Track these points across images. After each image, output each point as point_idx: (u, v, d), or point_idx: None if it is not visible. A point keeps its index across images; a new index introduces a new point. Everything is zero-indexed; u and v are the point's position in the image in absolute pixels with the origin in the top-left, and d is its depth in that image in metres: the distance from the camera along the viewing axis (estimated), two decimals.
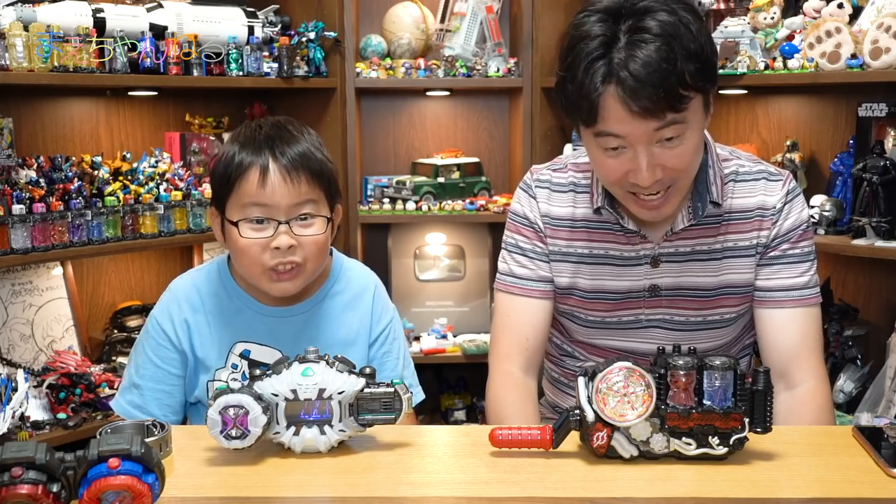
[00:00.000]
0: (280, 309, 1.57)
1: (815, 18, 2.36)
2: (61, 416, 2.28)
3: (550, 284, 1.58)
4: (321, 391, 1.20)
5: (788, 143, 2.57)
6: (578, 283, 1.56)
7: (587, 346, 1.63)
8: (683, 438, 1.18)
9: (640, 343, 1.57)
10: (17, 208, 2.19)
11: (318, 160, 1.49)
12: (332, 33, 2.81)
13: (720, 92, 2.64)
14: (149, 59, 2.41)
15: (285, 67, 2.70)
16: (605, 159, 1.39)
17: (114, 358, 2.64)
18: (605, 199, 1.51)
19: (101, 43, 2.32)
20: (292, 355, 1.48)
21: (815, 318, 1.54)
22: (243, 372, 1.54)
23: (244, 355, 1.55)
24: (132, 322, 2.72)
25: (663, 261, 1.53)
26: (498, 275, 1.63)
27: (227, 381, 1.52)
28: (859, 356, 2.44)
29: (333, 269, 1.64)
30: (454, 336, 2.98)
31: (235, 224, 1.46)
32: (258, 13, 2.74)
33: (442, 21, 2.98)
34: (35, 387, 2.32)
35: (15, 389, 2.11)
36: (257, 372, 1.22)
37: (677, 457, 1.19)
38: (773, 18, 2.43)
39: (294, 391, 1.20)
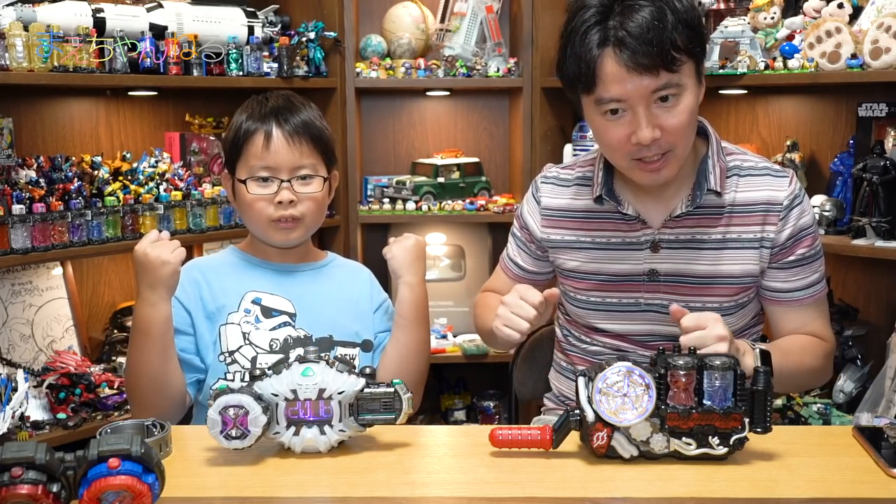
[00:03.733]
0: (289, 265, 1.68)
1: (815, 18, 2.36)
2: (61, 416, 2.28)
3: (524, 272, 1.74)
4: (321, 391, 1.21)
5: (788, 143, 2.57)
6: (580, 266, 1.64)
7: (589, 329, 1.68)
8: (683, 438, 1.18)
9: (640, 325, 1.62)
10: (17, 208, 2.19)
11: (317, 128, 1.65)
12: (332, 33, 2.81)
13: (720, 92, 2.65)
14: (149, 59, 2.41)
15: (285, 67, 2.70)
16: (607, 125, 1.46)
17: (114, 358, 2.64)
18: (604, 187, 1.59)
19: (101, 43, 2.32)
20: (302, 307, 1.62)
21: (826, 301, 1.67)
22: (256, 316, 1.61)
23: (256, 302, 1.62)
24: (132, 322, 2.72)
25: (663, 246, 1.58)
26: None
27: (239, 324, 1.60)
28: (859, 356, 2.44)
29: (329, 256, 1.78)
30: (454, 336, 2.98)
31: (244, 182, 1.61)
32: (258, 13, 2.74)
33: (442, 21, 2.98)
34: (35, 387, 2.32)
35: (15, 389, 2.10)
36: (257, 372, 1.22)
37: (677, 457, 1.19)
38: (773, 18, 2.43)
39: (294, 391, 1.20)
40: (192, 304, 1.61)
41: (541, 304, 1.43)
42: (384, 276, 1.81)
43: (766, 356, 1.39)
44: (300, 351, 1.55)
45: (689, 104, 1.44)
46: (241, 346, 1.58)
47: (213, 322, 1.61)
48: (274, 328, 1.60)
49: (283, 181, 1.59)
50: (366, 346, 1.64)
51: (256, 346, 1.59)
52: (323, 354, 1.24)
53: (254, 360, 1.58)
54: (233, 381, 1.52)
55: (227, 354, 1.57)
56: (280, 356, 1.56)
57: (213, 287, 1.63)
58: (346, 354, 1.62)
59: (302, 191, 1.61)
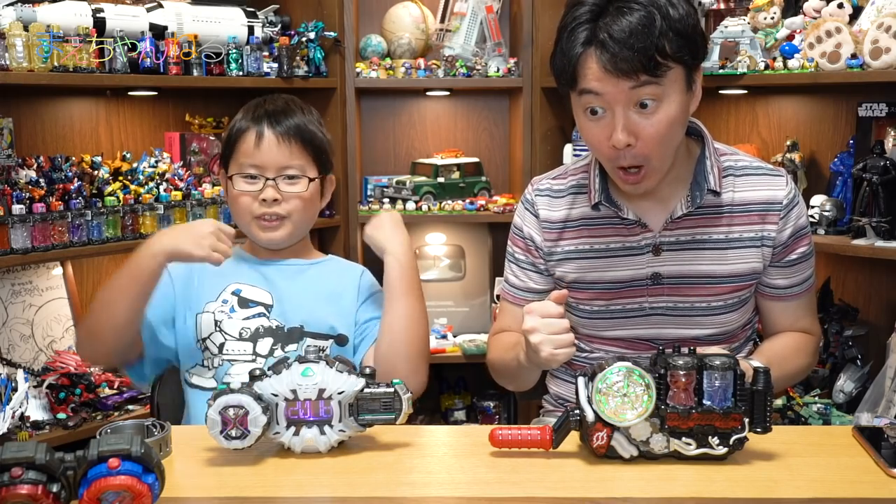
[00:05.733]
0: (274, 260, 1.71)
1: (815, 18, 2.36)
2: (61, 416, 2.28)
3: (539, 294, 1.68)
4: (321, 391, 1.21)
5: (788, 143, 2.57)
6: (582, 277, 1.62)
7: (592, 338, 1.67)
8: (683, 438, 1.18)
9: (646, 329, 1.62)
10: (17, 208, 2.19)
11: (310, 132, 1.68)
12: (332, 33, 2.81)
13: (720, 92, 2.65)
14: (149, 59, 2.41)
15: (285, 67, 2.70)
16: (588, 125, 1.46)
17: None
18: (602, 194, 1.58)
19: (101, 43, 2.32)
20: (279, 298, 1.65)
21: (815, 292, 1.71)
22: (232, 306, 1.65)
23: (236, 293, 1.66)
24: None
25: (665, 249, 1.57)
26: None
27: (213, 313, 1.64)
28: (859, 356, 2.44)
29: (328, 257, 1.81)
30: (454, 336, 2.98)
31: (231, 178, 1.66)
32: (258, 13, 2.74)
33: (442, 21, 2.97)
34: (35, 387, 2.32)
35: (15, 389, 2.11)
36: (257, 372, 1.22)
37: (677, 457, 1.19)
38: (773, 18, 2.43)
39: (294, 391, 1.20)
40: (176, 285, 1.66)
41: (563, 309, 1.40)
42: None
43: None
44: (270, 341, 1.62)
45: (671, 113, 1.42)
46: (211, 334, 1.63)
47: (192, 311, 1.65)
48: (247, 318, 1.64)
49: (268, 179, 1.63)
50: (339, 339, 1.66)
51: (226, 334, 1.62)
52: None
53: (221, 346, 1.62)
54: (226, 378, 1.56)
55: (200, 341, 1.63)
56: (249, 344, 1.62)
57: (197, 277, 1.68)
58: (316, 346, 1.62)
59: (287, 189, 1.64)
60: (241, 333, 1.62)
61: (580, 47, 1.40)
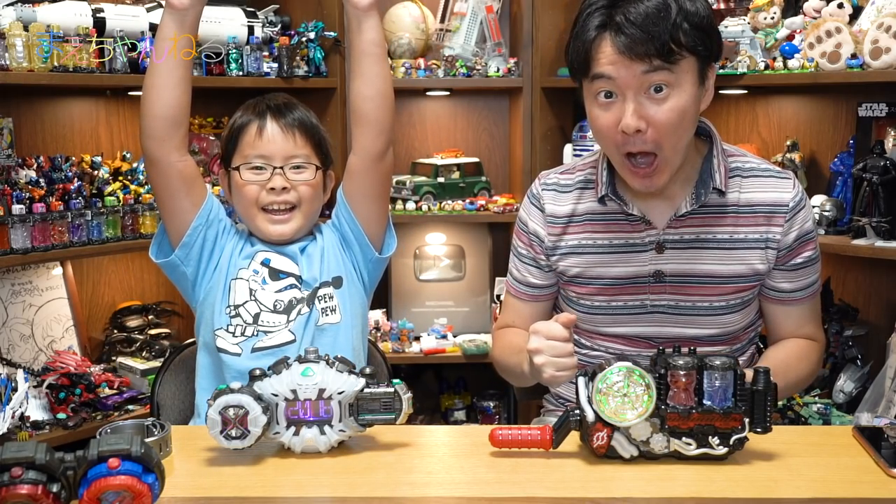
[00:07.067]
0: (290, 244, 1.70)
1: (815, 18, 2.36)
2: (61, 416, 2.28)
3: (538, 290, 1.70)
4: (321, 391, 1.21)
5: (788, 143, 2.57)
6: (585, 271, 1.62)
7: (593, 333, 1.67)
8: (683, 438, 1.18)
9: (646, 327, 1.62)
10: (17, 208, 2.19)
11: (311, 123, 1.69)
12: (332, 33, 2.81)
13: (720, 92, 2.65)
14: (149, 59, 2.40)
15: (285, 67, 2.70)
16: (599, 113, 1.47)
17: (114, 358, 2.64)
18: (608, 187, 1.58)
19: (101, 43, 2.32)
20: (309, 268, 1.66)
21: (819, 298, 1.70)
22: (263, 278, 1.65)
23: (265, 263, 1.67)
24: (132, 322, 2.72)
25: (668, 247, 1.57)
26: None
27: (248, 280, 1.65)
28: (859, 356, 2.44)
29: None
30: (454, 336, 2.97)
31: (237, 169, 1.65)
32: (258, 13, 2.74)
33: (442, 21, 2.97)
34: (35, 387, 2.32)
35: (15, 389, 2.11)
36: (257, 372, 1.22)
37: (677, 457, 1.19)
38: (773, 18, 2.43)
39: (294, 391, 1.20)
40: (218, 229, 1.65)
41: (569, 333, 1.39)
42: (385, 277, 1.79)
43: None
44: (300, 308, 1.63)
45: (682, 103, 1.43)
46: (246, 302, 1.63)
47: (224, 268, 1.65)
48: (280, 290, 1.65)
49: (276, 168, 1.63)
50: (335, 282, 1.68)
51: (261, 304, 1.63)
52: (323, 355, 1.24)
53: (256, 317, 1.63)
54: (258, 343, 1.56)
55: (232, 307, 1.63)
56: (283, 316, 1.63)
57: (231, 240, 1.68)
58: (325, 295, 1.66)
59: (295, 178, 1.64)
60: (275, 306, 1.63)
61: (594, 31, 1.42)
